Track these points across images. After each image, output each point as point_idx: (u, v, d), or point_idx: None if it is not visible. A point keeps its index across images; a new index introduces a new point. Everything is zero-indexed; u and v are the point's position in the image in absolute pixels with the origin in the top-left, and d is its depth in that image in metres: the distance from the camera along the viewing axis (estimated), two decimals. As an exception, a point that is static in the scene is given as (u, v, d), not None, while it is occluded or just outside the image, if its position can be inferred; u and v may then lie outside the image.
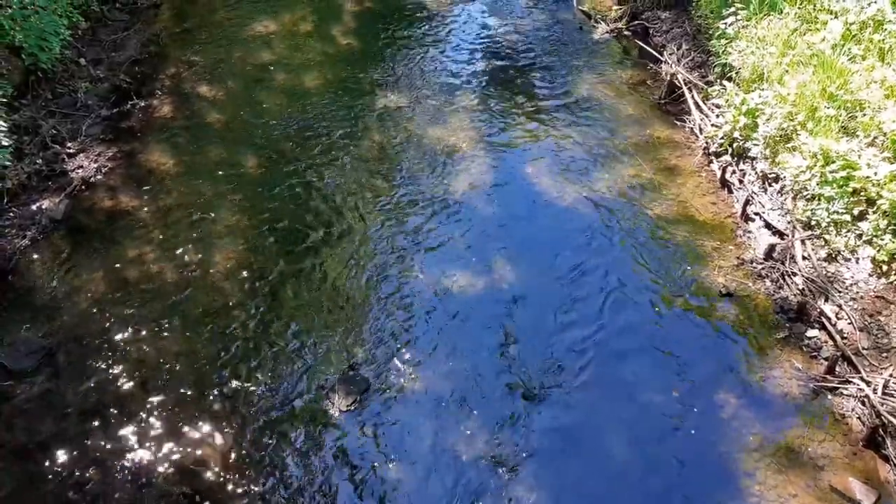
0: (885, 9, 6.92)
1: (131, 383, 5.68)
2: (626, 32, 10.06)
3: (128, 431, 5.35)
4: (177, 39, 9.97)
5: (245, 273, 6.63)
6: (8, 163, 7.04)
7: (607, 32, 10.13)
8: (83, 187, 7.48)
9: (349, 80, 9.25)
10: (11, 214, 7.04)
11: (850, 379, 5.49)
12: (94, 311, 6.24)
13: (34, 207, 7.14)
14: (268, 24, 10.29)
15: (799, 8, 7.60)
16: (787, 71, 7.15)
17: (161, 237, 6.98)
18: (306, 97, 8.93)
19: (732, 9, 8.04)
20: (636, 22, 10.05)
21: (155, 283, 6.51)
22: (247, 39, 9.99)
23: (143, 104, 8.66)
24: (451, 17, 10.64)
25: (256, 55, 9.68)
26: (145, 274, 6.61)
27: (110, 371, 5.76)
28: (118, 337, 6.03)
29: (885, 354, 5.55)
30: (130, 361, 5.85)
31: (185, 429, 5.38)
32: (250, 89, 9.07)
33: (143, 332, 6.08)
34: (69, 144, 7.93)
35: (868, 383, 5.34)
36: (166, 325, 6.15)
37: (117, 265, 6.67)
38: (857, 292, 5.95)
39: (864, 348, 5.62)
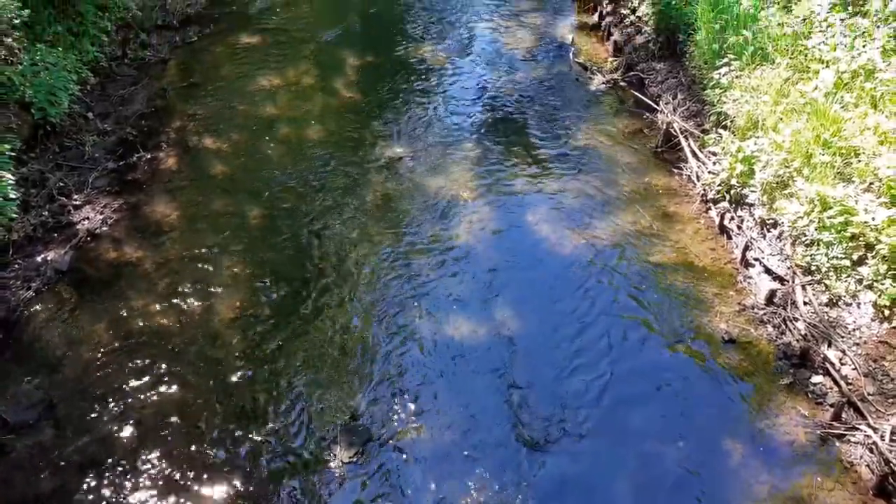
0: (874, 58, 7.08)
1: (132, 436, 5.64)
2: (621, 83, 10.27)
3: (128, 486, 5.29)
4: (183, 93, 10.19)
5: (247, 323, 6.64)
6: (15, 215, 7.11)
7: (603, 83, 10.35)
8: (88, 239, 7.55)
9: (351, 132, 9.42)
10: (17, 266, 7.08)
11: (857, 426, 5.44)
12: (97, 362, 6.23)
13: (39, 259, 7.19)
14: (272, 79, 10.54)
15: (790, 58, 7.78)
16: (781, 119, 7.28)
17: (164, 288, 7.01)
18: (309, 149, 9.09)
19: (725, 59, 8.23)
20: (631, 73, 10.27)
21: (158, 334, 6.52)
22: (251, 93, 10.20)
23: (148, 156, 8.81)
24: (450, 71, 10.89)
25: (261, 108, 9.88)
26: (148, 325, 6.62)
27: (111, 423, 5.72)
28: (120, 388, 6.01)
29: (890, 400, 5.51)
30: (131, 413, 5.81)
31: (186, 482, 5.32)
32: (254, 141, 9.23)
33: (145, 384, 6.06)
34: (75, 196, 8.03)
35: (875, 430, 5.29)
36: (168, 376, 6.13)
37: (120, 316, 6.69)
38: (860, 337, 5.94)
39: (869, 394, 5.58)
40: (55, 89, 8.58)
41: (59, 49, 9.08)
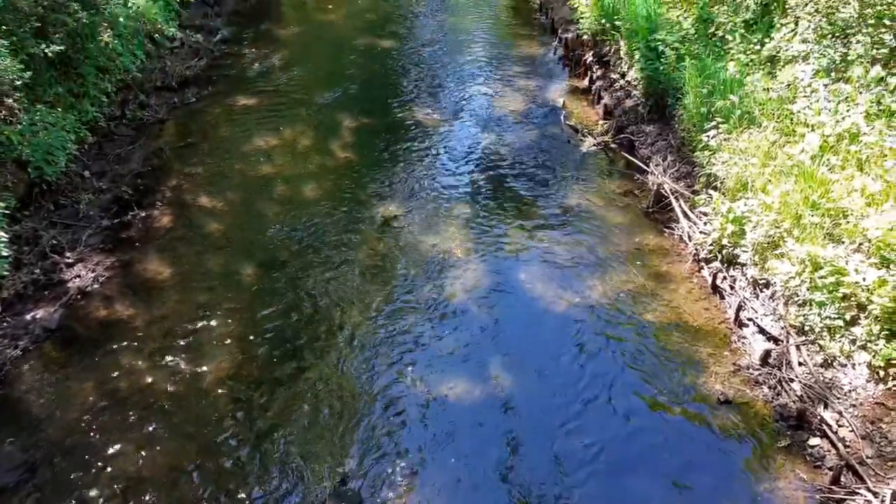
0: (859, 122, 7.25)
1: (116, 500, 5.47)
2: (612, 145, 10.46)
3: (108, 553, 5.11)
4: (180, 153, 10.31)
5: (237, 383, 6.55)
6: (6, 273, 7.08)
7: (594, 145, 10.54)
8: (79, 297, 7.51)
9: (346, 192, 9.50)
10: (5, 324, 7.01)
11: (857, 490, 5.34)
12: (82, 423, 6.10)
13: (28, 317, 7.12)
14: (269, 139, 10.69)
15: (777, 122, 7.96)
16: (769, 180, 7.40)
17: (154, 347, 6.93)
18: (304, 207, 9.15)
19: (713, 122, 8.41)
20: (622, 135, 10.47)
21: (145, 394, 6.41)
22: (248, 153, 10.33)
23: (143, 215, 8.84)
24: (444, 132, 11.08)
25: (257, 168, 9.99)
26: (136, 385, 6.52)
27: (94, 486, 5.57)
28: (105, 450, 5.87)
29: (889, 463, 5.42)
30: (116, 476, 5.66)
31: (169, 549, 5.15)
32: (250, 200, 9.29)
33: (131, 445, 5.92)
34: (68, 254, 8.02)
35: (875, 494, 5.19)
36: (155, 438, 6.00)
37: (108, 376, 6.59)
38: (857, 399, 5.89)
39: (868, 457, 5.50)
40: (53, 148, 8.66)
41: (59, 109, 9.21)
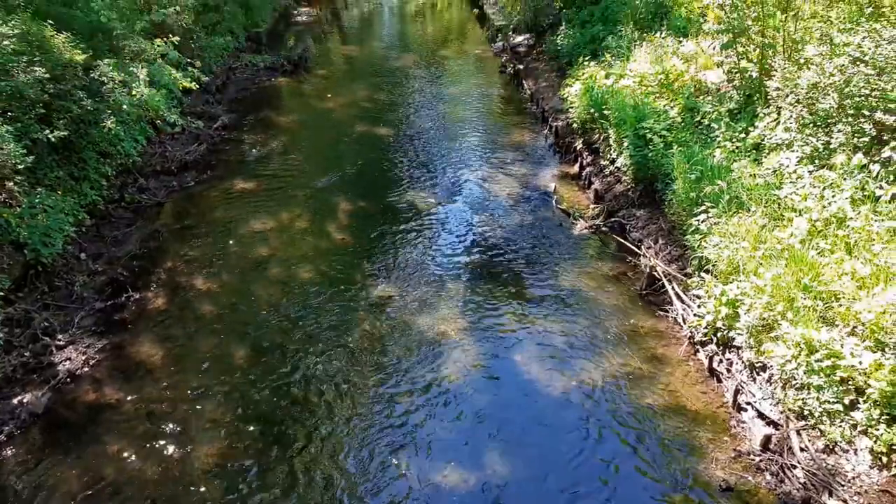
0: (845, 207, 7.44)
1: None
2: (604, 228, 10.63)
3: None
4: (176, 235, 10.39)
5: (227, 469, 6.37)
6: (-5, 356, 7.01)
7: (586, 228, 10.70)
8: (68, 380, 7.39)
9: (341, 273, 9.55)
10: (-10, 409, 6.87)
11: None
12: (64, 513, 5.89)
13: (15, 401, 6.98)
14: (265, 222, 10.81)
15: (765, 206, 8.15)
16: (761, 264, 7.50)
17: (143, 432, 6.78)
18: (299, 289, 9.16)
19: (703, 207, 8.59)
20: (613, 219, 10.66)
21: (133, 482, 6.22)
22: (244, 235, 10.43)
23: (137, 297, 8.82)
24: (437, 215, 11.25)
25: (252, 250, 10.05)
26: (123, 471, 6.33)
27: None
28: (86, 543, 5.64)
29: (900, 554, 5.27)
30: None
31: None
32: (244, 282, 9.31)
33: (114, 537, 5.70)
34: (59, 337, 7.95)
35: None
36: (139, 529, 5.78)
37: (94, 462, 6.41)
38: (861, 486, 5.77)
39: (877, 548, 5.34)
40: (50, 230, 8.75)
41: (59, 192, 9.35)
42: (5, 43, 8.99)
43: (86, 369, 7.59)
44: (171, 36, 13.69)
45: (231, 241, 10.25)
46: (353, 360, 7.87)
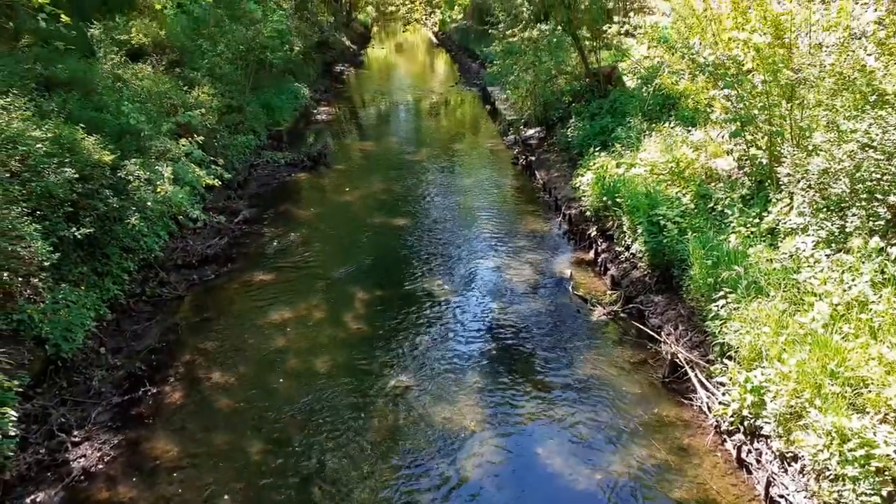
0: (866, 291, 7.37)
1: None
2: (622, 315, 10.57)
3: None
4: (195, 328, 10.46)
5: (241, 573, 6.15)
6: (11, 453, 6.94)
7: (604, 315, 10.64)
8: (83, 477, 7.27)
9: (359, 363, 9.50)
10: (2, 509, 6.75)
11: None
12: None
13: (28, 500, 6.87)
14: (283, 312, 10.88)
15: (784, 291, 8.09)
16: (784, 349, 7.37)
17: (155, 532, 6.60)
18: (316, 381, 9.10)
19: (721, 293, 8.54)
20: (631, 305, 10.61)
21: (142, 587, 6.01)
22: (262, 327, 10.47)
23: (154, 391, 8.80)
24: (454, 303, 11.27)
25: (270, 341, 10.07)
26: (133, 575, 6.12)
27: None
28: None
29: None
30: None
31: None
32: (262, 375, 9.27)
33: None
34: (75, 433, 7.88)
35: None
36: None
37: (104, 565, 6.21)
38: (909, 586, 5.43)
39: None
40: (72, 326, 8.84)
41: (82, 288, 9.51)
42: (38, 146, 9.41)
43: (100, 466, 7.48)
44: (195, 136, 14.26)
45: (249, 334, 10.29)
46: (370, 453, 7.71)
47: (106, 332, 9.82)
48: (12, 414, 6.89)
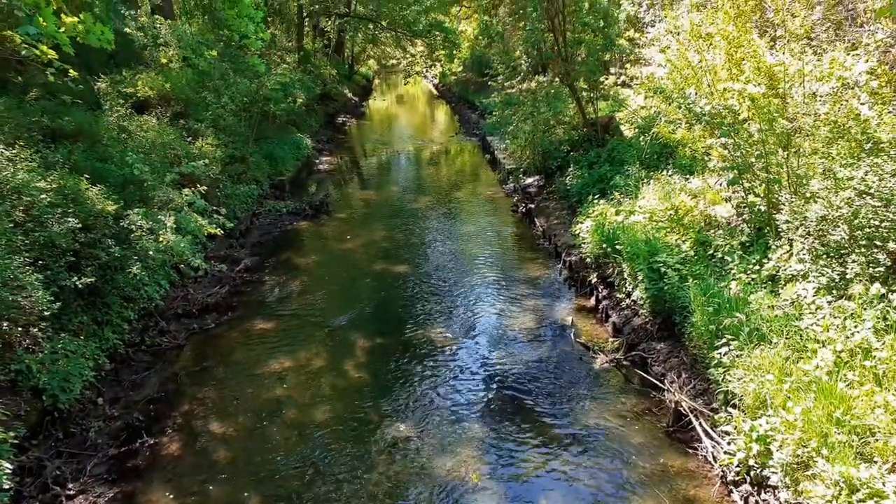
0: (869, 338, 7.33)
1: None
2: (624, 363, 10.48)
3: None
4: (194, 378, 10.37)
5: None
6: (4, 508, 6.82)
7: (607, 362, 10.56)
8: (75, 533, 7.12)
9: (358, 413, 9.38)
10: (-8, 566, 6.59)
11: None
12: None
13: (19, 558, 6.71)
14: (283, 361, 10.80)
15: (786, 338, 8.04)
16: (789, 397, 7.29)
17: (149, 590, 6.42)
18: (315, 431, 8.97)
19: (724, 340, 8.49)
20: (633, 352, 10.53)
21: None
22: (261, 376, 10.38)
23: (152, 442, 8.68)
24: (455, 351, 11.20)
25: (269, 391, 9.97)
26: None
27: None
28: None
29: None
30: None
31: None
32: (260, 425, 9.15)
33: None
34: (70, 486, 7.75)
35: None
36: None
37: None
38: None
39: None
40: (70, 376, 8.78)
41: (82, 337, 9.48)
42: (43, 196, 9.50)
43: (94, 521, 7.33)
44: (199, 185, 14.41)
45: (248, 383, 10.20)
46: (371, 506, 7.56)
47: (104, 382, 9.73)
48: (7, 466, 6.78)
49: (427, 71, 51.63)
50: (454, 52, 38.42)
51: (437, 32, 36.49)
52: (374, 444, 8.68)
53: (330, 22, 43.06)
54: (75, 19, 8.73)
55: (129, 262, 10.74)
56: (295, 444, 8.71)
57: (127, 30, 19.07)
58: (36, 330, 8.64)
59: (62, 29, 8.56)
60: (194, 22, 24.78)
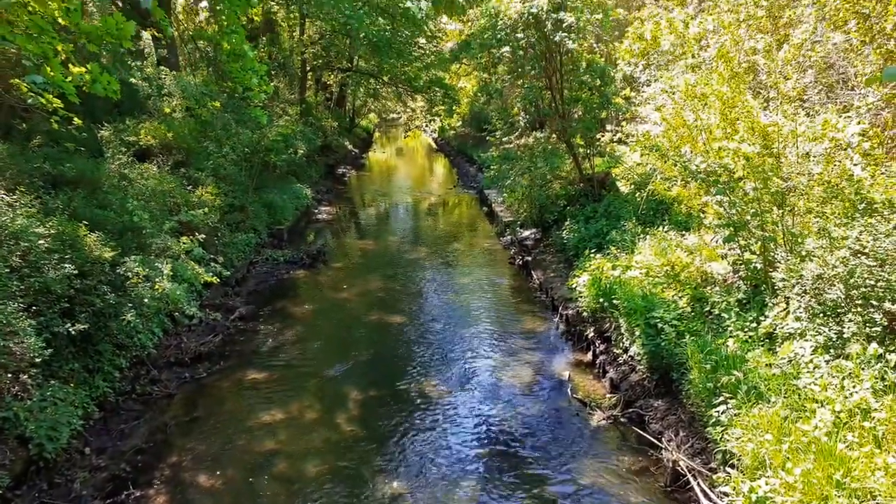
0: (868, 398, 7.26)
1: None
2: (622, 419, 10.35)
3: None
4: (184, 428, 10.19)
5: None
6: (-18, 562, 6.60)
7: (604, 419, 10.42)
8: (54, 590, 6.88)
9: (350, 468, 9.19)
10: None
11: None
12: None
13: None
14: (275, 413, 10.64)
15: (784, 397, 7.97)
16: (788, 458, 7.18)
17: None
18: (306, 486, 8.77)
19: (721, 398, 8.41)
20: (631, 409, 10.41)
21: None
22: (253, 428, 10.21)
23: (138, 494, 8.47)
24: (451, 404, 11.05)
25: (260, 443, 9.79)
26: None
27: None
28: None
29: None
30: None
31: None
32: (249, 479, 8.95)
33: None
34: (52, 540, 7.53)
35: None
36: None
37: None
38: None
39: None
40: (58, 424, 8.61)
41: (72, 385, 9.34)
42: (40, 242, 9.51)
43: (74, 577, 7.09)
44: (197, 233, 14.45)
45: (238, 435, 10.01)
46: (361, 566, 7.34)
47: (92, 430, 9.56)
48: (-13, 518, 6.60)
49: (427, 125, 52.52)
50: (453, 107, 39.13)
51: (437, 88, 37.22)
52: (367, 502, 8.48)
53: (332, 76, 43.95)
54: (83, 69, 8.89)
55: (123, 309, 10.68)
56: (285, 500, 8.51)
57: (133, 80, 19.42)
58: (26, 377, 8.53)
59: (69, 78, 8.71)
60: (199, 74, 25.29)
